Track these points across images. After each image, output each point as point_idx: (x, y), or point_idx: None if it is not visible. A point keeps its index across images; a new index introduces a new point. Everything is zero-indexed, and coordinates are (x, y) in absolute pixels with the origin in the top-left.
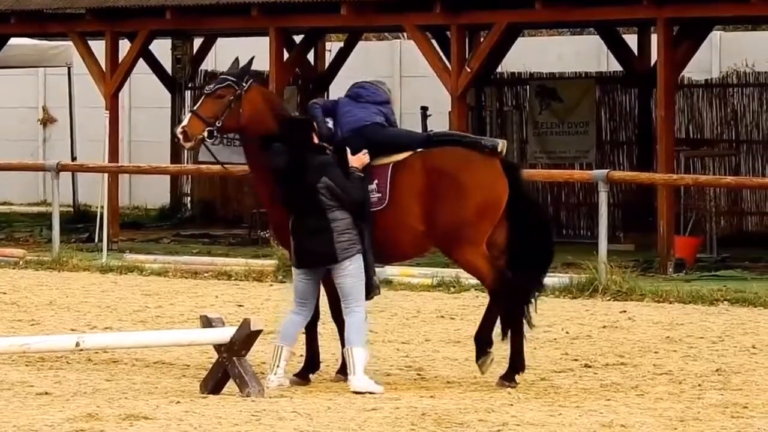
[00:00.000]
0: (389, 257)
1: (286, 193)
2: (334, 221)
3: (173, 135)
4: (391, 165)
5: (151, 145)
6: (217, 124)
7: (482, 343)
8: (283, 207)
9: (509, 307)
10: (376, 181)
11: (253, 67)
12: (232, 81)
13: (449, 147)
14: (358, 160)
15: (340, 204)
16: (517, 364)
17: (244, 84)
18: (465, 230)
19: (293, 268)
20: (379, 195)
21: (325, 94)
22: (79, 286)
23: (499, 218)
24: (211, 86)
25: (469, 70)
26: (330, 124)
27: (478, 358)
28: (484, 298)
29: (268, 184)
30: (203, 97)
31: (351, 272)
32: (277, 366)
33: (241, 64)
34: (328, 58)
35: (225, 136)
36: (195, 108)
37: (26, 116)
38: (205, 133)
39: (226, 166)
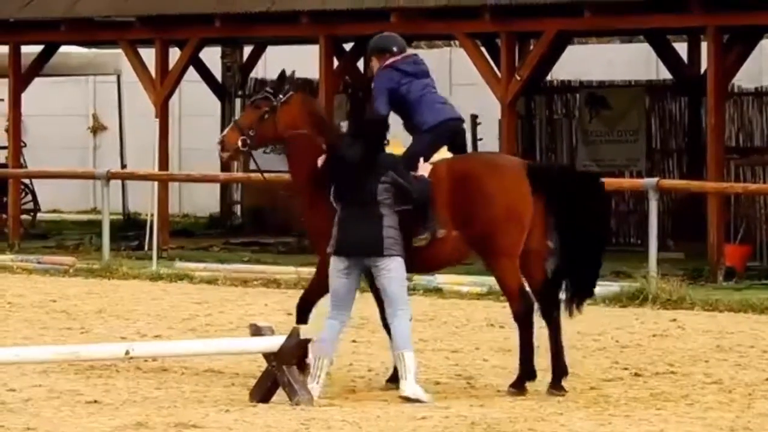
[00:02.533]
0: (430, 266)
1: (346, 183)
2: (385, 216)
3: None
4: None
5: (201, 152)
6: (250, 134)
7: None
8: (335, 199)
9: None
10: None
11: (303, 75)
12: (268, 92)
13: (475, 153)
14: (426, 168)
15: (401, 201)
16: (557, 370)
17: (280, 96)
18: (494, 238)
19: (332, 264)
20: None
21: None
22: (128, 294)
23: (532, 225)
24: (252, 98)
25: (518, 78)
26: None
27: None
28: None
29: (310, 191)
30: (245, 108)
31: (393, 274)
32: (319, 377)
33: (290, 73)
34: None
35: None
36: (237, 118)
37: (76, 124)
38: (239, 143)
39: (265, 174)
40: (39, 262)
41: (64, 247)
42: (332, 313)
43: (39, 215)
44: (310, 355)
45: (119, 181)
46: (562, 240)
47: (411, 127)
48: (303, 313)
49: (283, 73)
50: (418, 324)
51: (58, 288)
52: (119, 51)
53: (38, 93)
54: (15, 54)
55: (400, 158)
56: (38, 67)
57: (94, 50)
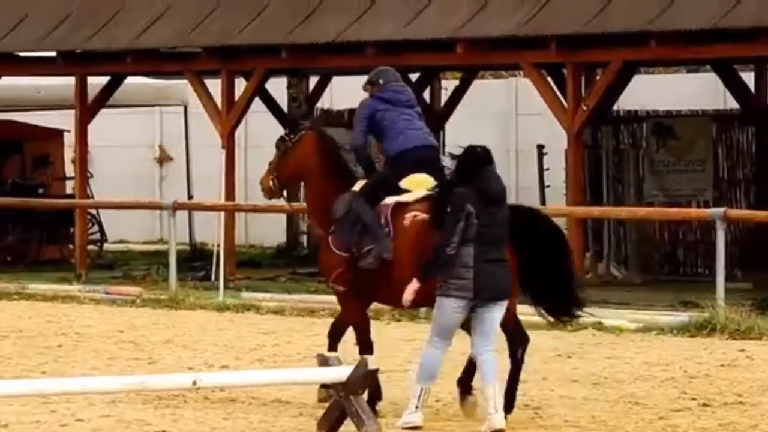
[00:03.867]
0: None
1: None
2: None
3: None
4: (393, 204)
5: None
6: (275, 174)
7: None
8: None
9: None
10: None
11: None
12: (284, 134)
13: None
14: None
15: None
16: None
17: (292, 135)
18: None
19: (449, 302)
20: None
21: (441, 132)
22: (195, 325)
23: None
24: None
25: (585, 108)
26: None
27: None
28: (601, 336)
29: (325, 227)
30: None
31: (503, 310)
32: (420, 405)
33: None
34: (444, 96)
35: None
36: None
37: (142, 155)
38: (271, 184)
39: (292, 204)
40: (106, 293)
41: (131, 278)
42: (436, 343)
43: (106, 246)
44: (414, 384)
45: (186, 212)
46: (524, 277)
47: (382, 153)
48: (334, 339)
49: (323, 112)
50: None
51: (125, 318)
52: (185, 82)
53: (104, 124)
54: (81, 85)
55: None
56: (104, 98)
57: (160, 81)
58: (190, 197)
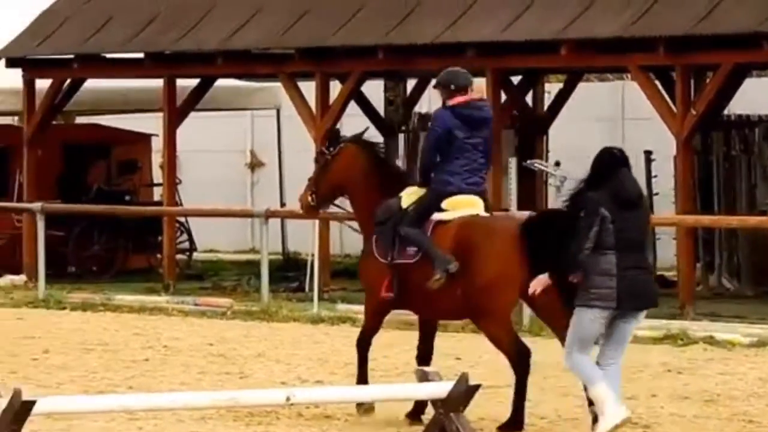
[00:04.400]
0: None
1: (627, 229)
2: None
3: None
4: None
5: None
6: (314, 189)
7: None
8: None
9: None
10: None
11: None
12: (323, 148)
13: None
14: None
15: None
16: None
17: (331, 149)
18: (481, 300)
19: (587, 312)
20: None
21: (544, 138)
22: (289, 338)
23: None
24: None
25: (694, 112)
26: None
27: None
28: (713, 351)
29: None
30: None
31: (641, 320)
32: (612, 402)
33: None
34: (547, 100)
35: None
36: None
37: (233, 160)
38: (310, 199)
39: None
40: (195, 304)
41: (221, 289)
42: (581, 349)
43: (195, 255)
44: (593, 391)
45: (278, 220)
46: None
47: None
48: (363, 350)
49: (336, 132)
50: None
51: (215, 331)
52: (278, 84)
53: (194, 128)
54: (170, 87)
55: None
56: (194, 101)
57: (252, 84)
58: (282, 204)
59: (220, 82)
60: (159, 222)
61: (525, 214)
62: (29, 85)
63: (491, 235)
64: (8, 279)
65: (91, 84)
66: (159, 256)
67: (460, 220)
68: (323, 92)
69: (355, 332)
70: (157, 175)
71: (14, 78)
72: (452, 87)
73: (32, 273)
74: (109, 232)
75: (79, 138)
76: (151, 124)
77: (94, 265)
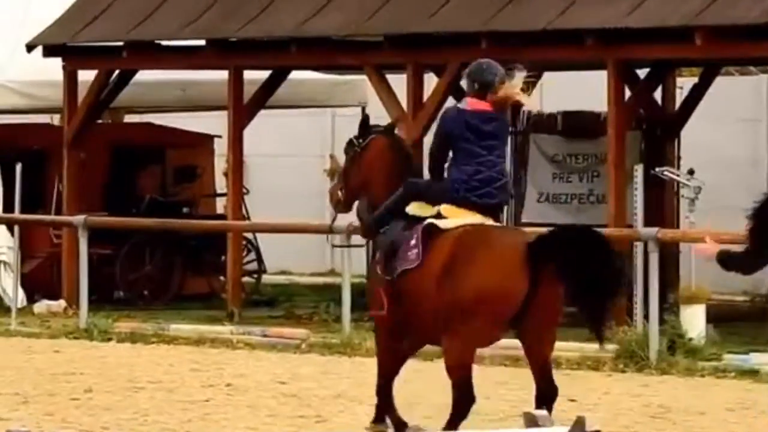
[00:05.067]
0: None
1: None
2: None
3: None
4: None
5: None
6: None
7: None
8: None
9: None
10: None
11: (587, 107)
12: (353, 137)
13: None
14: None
15: None
16: None
17: (361, 140)
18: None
19: None
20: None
21: (676, 141)
22: (373, 375)
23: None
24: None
25: None
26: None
27: None
28: None
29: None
30: None
31: None
32: None
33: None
34: (679, 96)
35: (553, 193)
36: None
37: (310, 166)
38: (339, 194)
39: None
40: (264, 335)
41: (295, 317)
42: None
43: (264, 278)
44: None
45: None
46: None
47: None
48: (386, 398)
49: (365, 118)
50: (730, 414)
51: (287, 367)
52: (363, 77)
53: (263, 129)
54: (236, 81)
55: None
56: (264, 97)
57: (332, 76)
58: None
59: (295, 75)
60: (222, 239)
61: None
62: (70, 77)
63: (492, 245)
64: (44, 304)
65: (143, 76)
66: (222, 278)
67: (462, 228)
68: (416, 87)
69: (481, 371)
70: (221, 184)
71: (53, 69)
72: (476, 85)
73: (72, 298)
74: (164, 251)
75: (128, 139)
76: (214, 123)
77: (145, 289)
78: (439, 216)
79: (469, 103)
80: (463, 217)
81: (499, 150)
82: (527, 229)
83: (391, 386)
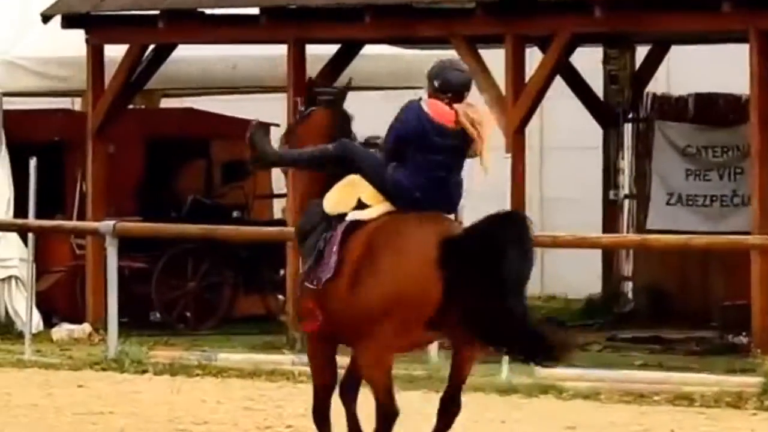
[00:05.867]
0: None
1: None
2: None
3: (606, 188)
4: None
5: (570, 203)
6: None
7: None
8: None
9: None
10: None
11: (724, 89)
12: (301, 106)
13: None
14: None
15: None
16: None
17: (302, 109)
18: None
19: None
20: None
21: None
22: (467, 413)
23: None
24: None
25: None
26: None
27: None
28: None
29: None
30: None
31: None
32: None
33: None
34: None
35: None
36: None
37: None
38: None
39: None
40: None
41: None
42: None
43: None
44: None
45: None
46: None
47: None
48: (322, 419)
49: (311, 83)
50: None
51: (361, 403)
52: (450, 52)
53: None
54: (296, 57)
55: None
56: (331, 75)
57: (413, 51)
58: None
59: (368, 50)
60: (281, 249)
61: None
62: (95, 53)
63: (401, 247)
64: (65, 329)
65: (184, 52)
66: (281, 297)
67: (374, 225)
68: (516, 64)
69: (562, 407)
70: (278, 183)
71: (75, 43)
72: (436, 84)
73: (99, 321)
74: (210, 264)
75: (166, 129)
76: (270, 108)
77: (187, 311)
78: (360, 205)
79: (432, 110)
80: (385, 204)
81: (455, 165)
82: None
83: (328, 405)
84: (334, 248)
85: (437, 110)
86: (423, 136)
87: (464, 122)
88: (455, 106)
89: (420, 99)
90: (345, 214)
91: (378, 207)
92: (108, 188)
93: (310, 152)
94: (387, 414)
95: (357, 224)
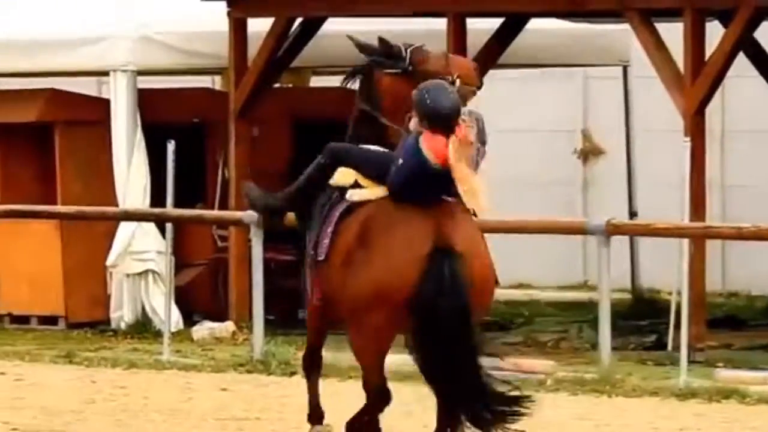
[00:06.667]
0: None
1: None
2: None
3: None
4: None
5: (755, 192)
6: None
7: None
8: None
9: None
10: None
11: None
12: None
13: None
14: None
15: None
16: None
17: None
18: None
19: None
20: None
21: None
22: (640, 420)
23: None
24: None
25: None
26: None
27: None
28: None
29: None
30: None
31: None
32: None
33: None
34: None
35: None
36: None
37: (555, 146)
38: None
39: None
40: (498, 368)
41: (537, 345)
42: None
43: (496, 292)
44: None
45: (626, 239)
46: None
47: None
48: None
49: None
50: None
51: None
52: (624, 27)
53: (494, 96)
54: (456, 31)
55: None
56: (494, 53)
57: (584, 26)
58: (632, 215)
59: (534, 24)
60: None
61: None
62: (238, 27)
63: (396, 227)
64: (206, 328)
65: (335, 26)
66: None
67: (366, 213)
68: (696, 39)
69: (746, 413)
70: None
71: (215, 17)
72: (425, 123)
73: (243, 319)
74: None
75: (315, 109)
76: None
77: (283, 306)
78: (356, 185)
79: (431, 149)
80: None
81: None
82: None
83: (318, 356)
84: (329, 230)
85: (436, 149)
86: (422, 171)
87: (453, 164)
88: (451, 141)
89: (419, 134)
90: (344, 189)
91: (375, 189)
92: (252, 174)
93: (306, 175)
94: (378, 397)
95: (352, 207)
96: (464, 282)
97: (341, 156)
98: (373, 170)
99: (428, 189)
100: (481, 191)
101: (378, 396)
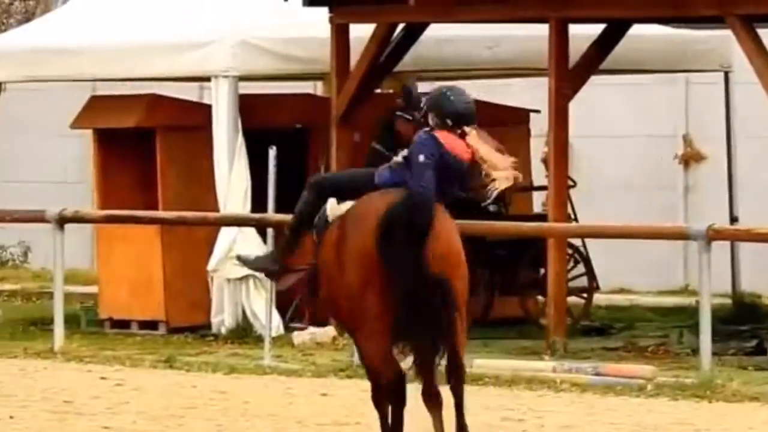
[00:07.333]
0: None
1: None
2: None
3: None
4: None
5: None
6: None
7: None
8: None
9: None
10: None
11: None
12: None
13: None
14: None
15: None
16: None
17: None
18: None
19: None
20: None
21: None
22: (741, 426)
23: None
24: None
25: None
26: None
27: None
28: None
29: None
30: None
31: None
32: None
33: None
34: None
35: None
36: None
37: (656, 151)
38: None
39: None
40: (597, 374)
41: (637, 350)
42: None
43: (597, 297)
44: None
45: (727, 244)
46: None
47: None
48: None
49: (409, 88)
50: None
51: (628, 414)
52: (726, 33)
53: (594, 101)
54: (559, 37)
55: None
56: (596, 59)
57: (687, 32)
58: (733, 220)
59: (637, 30)
60: (541, 247)
61: None
62: (340, 32)
63: (358, 224)
64: (307, 333)
65: (436, 32)
66: (540, 299)
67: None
68: None
69: None
70: (539, 174)
71: (317, 23)
72: (449, 122)
73: None
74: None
75: None
76: (531, 94)
77: None
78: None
79: (445, 141)
80: None
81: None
82: None
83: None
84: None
85: (451, 143)
86: (437, 156)
87: (481, 161)
88: (469, 141)
89: (431, 129)
90: None
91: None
92: None
93: (296, 213)
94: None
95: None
96: (423, 217)
97: (324, 185)
98: (361, 184)
99: (449, 185)
100: (510, 171)
101: (391, 395)
